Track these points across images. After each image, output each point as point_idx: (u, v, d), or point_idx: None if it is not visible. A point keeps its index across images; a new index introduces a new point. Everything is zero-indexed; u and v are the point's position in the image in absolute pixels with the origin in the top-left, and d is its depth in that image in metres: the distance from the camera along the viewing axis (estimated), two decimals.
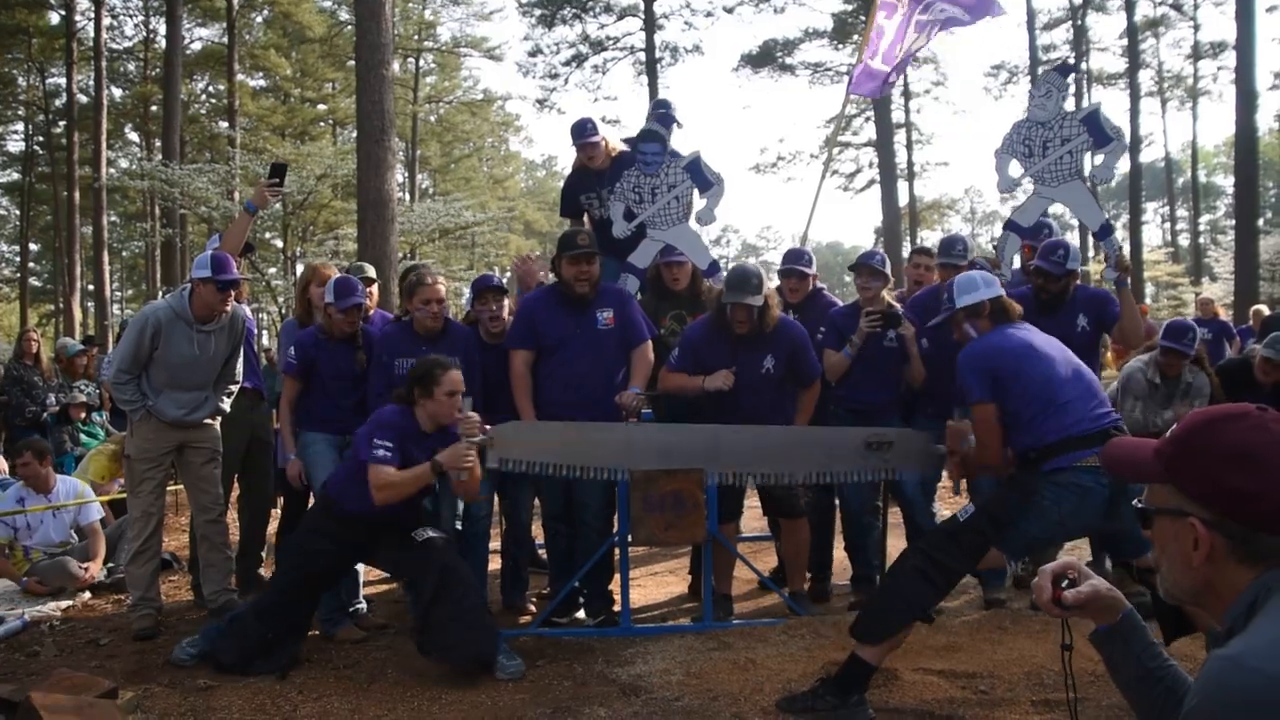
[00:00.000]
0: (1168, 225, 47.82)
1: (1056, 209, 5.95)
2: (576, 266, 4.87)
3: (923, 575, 3.57)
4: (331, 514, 4.43)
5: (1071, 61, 25.78)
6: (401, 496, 4.25)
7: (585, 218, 6.19)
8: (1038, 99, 5.42)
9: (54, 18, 29.25)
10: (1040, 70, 30.94)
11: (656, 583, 6.04)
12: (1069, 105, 5.37)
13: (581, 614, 5.21)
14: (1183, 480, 1.51)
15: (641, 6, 31.30)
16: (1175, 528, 1.51)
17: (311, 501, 5.27)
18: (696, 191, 5.55)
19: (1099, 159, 5.31)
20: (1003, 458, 3.89)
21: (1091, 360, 5.31)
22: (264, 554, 5.98)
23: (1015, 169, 5.52)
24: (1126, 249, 23.82)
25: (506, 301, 5.24)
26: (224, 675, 4.20)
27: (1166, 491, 1.55)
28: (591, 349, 4.92)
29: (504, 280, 5.61)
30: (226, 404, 5.25)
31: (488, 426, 4.41)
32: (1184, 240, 44.97)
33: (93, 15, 27.28)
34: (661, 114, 6.22)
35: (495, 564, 5.55)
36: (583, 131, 5.92)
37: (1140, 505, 1.62)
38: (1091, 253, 24.73)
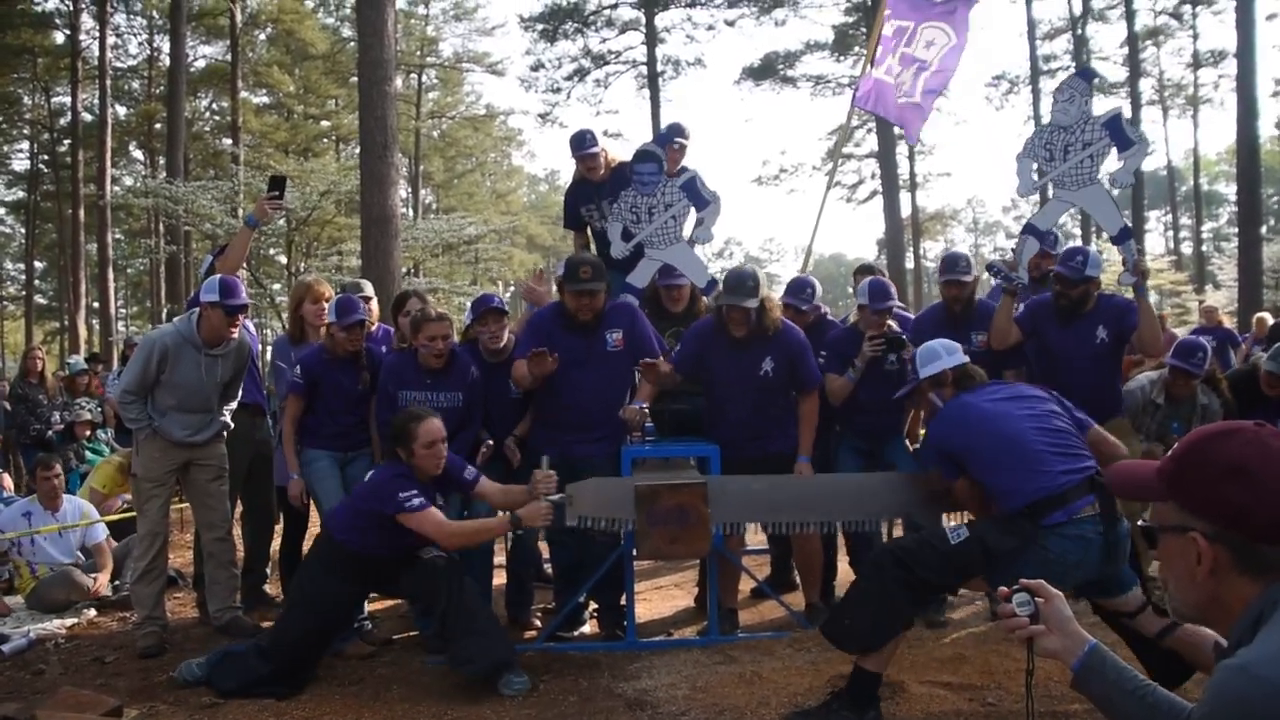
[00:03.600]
0: (1170, 233, 47.82)
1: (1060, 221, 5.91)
2: (578, 299, 4.87)
3: (906, 586, 3.52)
4: (342, 554, 4.32)
5: (1093, 67, 25.75)
6: (475, 544, 4.42)
7: (588, 230, 6.21)
8: (1060, 103, 5.35)
9: (59, 37, 29.41)
10: (1041, 80, 31.01)
11: (662, 596, 6.03)
12: (1093, 110, 5.30)
13: (587, 628, 5.20)
14: (1182, 496, 1.56)
15: (643, 20, 31.39)
16: (1180, 544, 1.55)
17: (314, 517, 5.28)
18: (693, 210, 5.55)
19: (1119, 163, 5.25)
20: (982, 512, 3.93)
21: (1112, 371, 5.26)
22: (268, 570, 5.97)
23: (1036, 173, 5.46)
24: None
25: (507, 323, 5.23)
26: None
27: (1169, 509, 1.59)
28: (600, 372, 4.93)
29: (505, 299, 5.61)
30: (228, 416, 5.26)
31: (557, 481, 4.38)
32: (1187, 248, 44.95)
33: (97, 34, 27.43)
34: (662, 135, 6.27)
35: (500, 579, 5.55)
36: (582, 143, 5.94)
37: (1145, 524, 1.65)
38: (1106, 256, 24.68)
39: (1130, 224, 5.51)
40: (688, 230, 5.55)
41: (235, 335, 5.04)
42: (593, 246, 6.21)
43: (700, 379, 5.11)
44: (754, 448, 4.94)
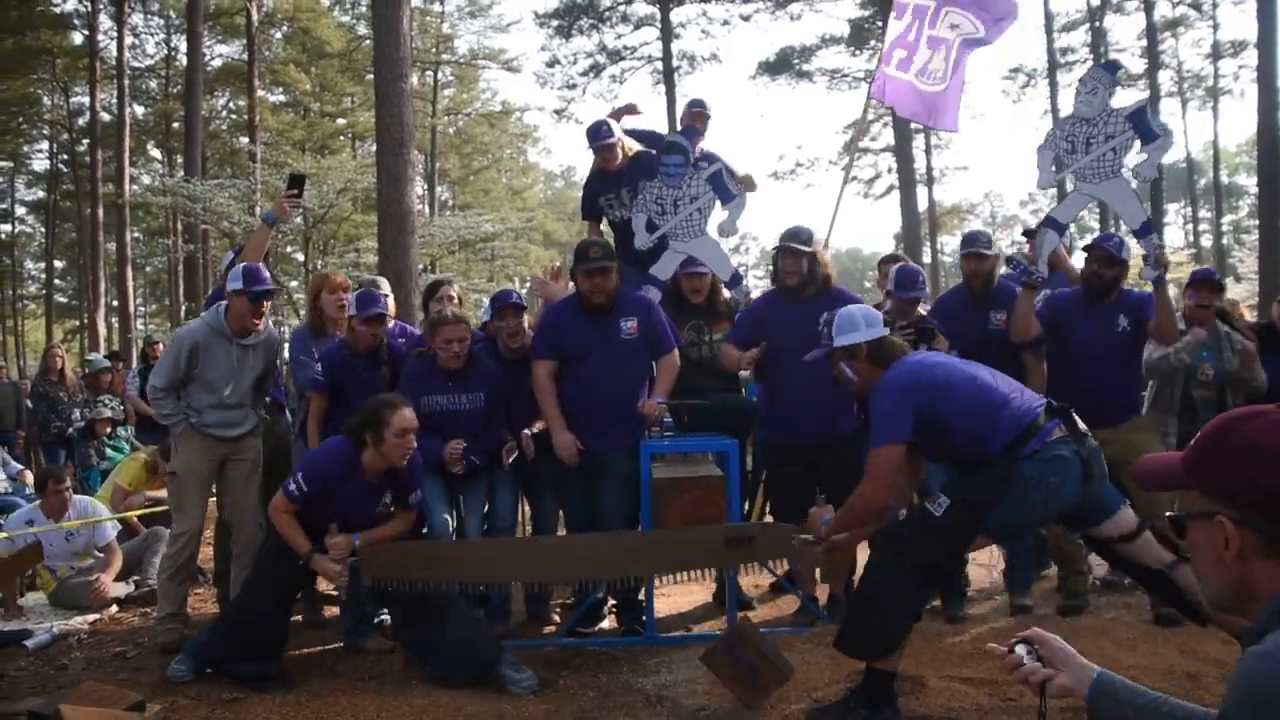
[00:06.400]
0: (1190, 226, 47.47)
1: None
2: (590, 280, 4.86)
3: (909, 576, 3.49)
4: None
5: (1117, 60, 25.51)
6: (279, 533, 4.40)
7: (605, 222, 6.21)
8: (1083, 95, 5.27)
9: (77, 38, 29.58)
10: (1059, 73, 30.81)
11: (681, 591, 6.01)
12: (1115, 102, 5.23)
13: (606, 624, 5.20)
14: (1206, 482, 1.56)
15: (658, 16, 31.31)
16: (1207, 531, 1.54)
17: None
18: (719, 203, 5.55)
19: (1142, 155, 5.17)
20: (884, 503, 3.73)
21: (1132, 360, 5.20)
22: None
23: (1056, 165, 5.38)
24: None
25: (526, 318, 5.24)
26: (248, 687, 4.21)
27: (1196, 496, 1.58)
28: (615, 360, 4.90)
29: (523, 293, 5.61)
30: (262, 410, 5.27)
31: (356, 545, 4.33)
32: (1206, 241, 44.58)
33: (115, 34, 27.60)
34: (686, 127, 6.30)
35: None
36: (598, 134, 5.96)
37: (1174, 515, 1.64)
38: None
39: (1150, 217, 5.44)
40: (713, 223, 5.56)
41: (261, 324, 5.03)
42: (610, 239, 6.20)
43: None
44: (822, 428, 4.85)
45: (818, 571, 5.25)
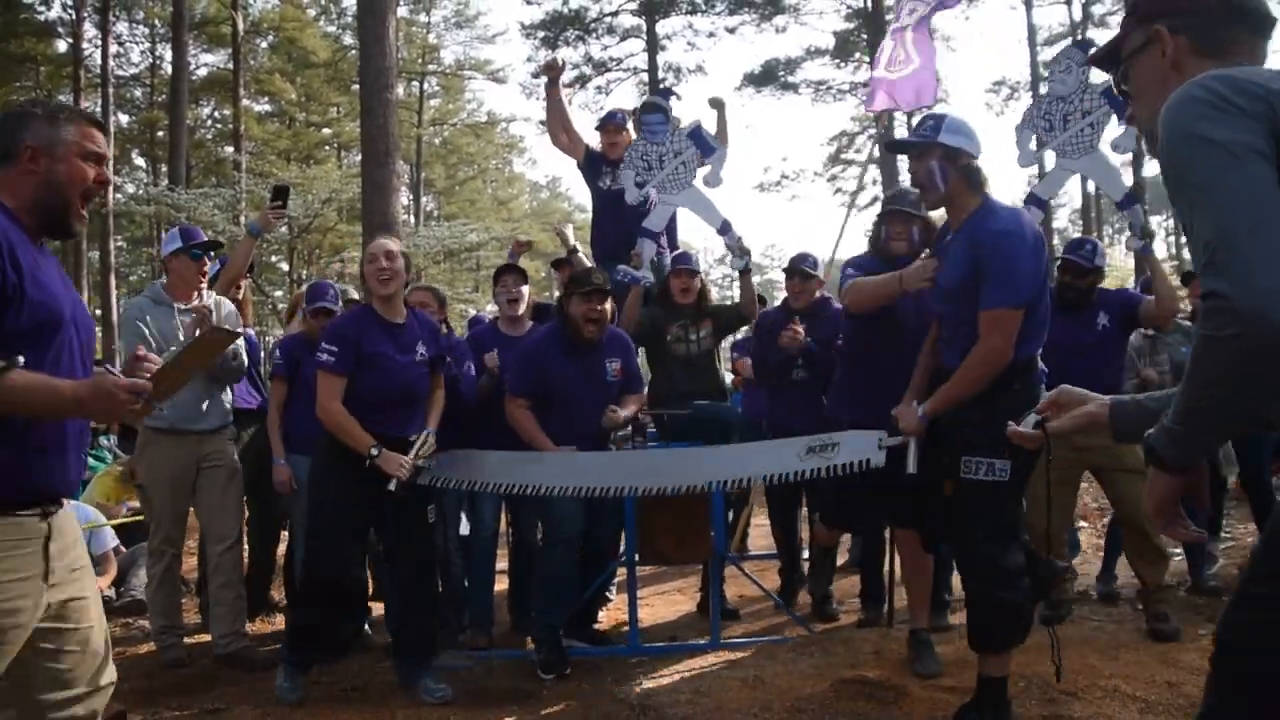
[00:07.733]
0: (1173, 239, 47.78)
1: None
2: (588, 304, 4.58)
3: (1019, 547, 3.49)
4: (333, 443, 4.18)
5: (1090, 38, 25.63)
6: (335, 433, 4.09)
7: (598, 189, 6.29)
8: (1058, 74, 5.29)
9: (61, 45, 29.42)
10: (1042, 86, 31.02)
11: (665, 601, 6.03)
12: (1090, 79, 5.23)
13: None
14: (1143, 7, 1.76)
15: (644, 28, 31.43)
16: (1148, 60, 1.74)
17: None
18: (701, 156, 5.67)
19: (1120, 128, 5.18)
20: (1010, 356, 3.43)
21: (1112, 359, 5.17)
22: (273, 576, 5.95)
23: (1035, 144, 5.37)
24: (1130, 263, 23.82)
25: (525, 288, 5.26)
26: (236, 698, 4.20)
27: (1135, 36, 1.77)
28: (597, 401, 4.66)
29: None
30: (241, 358, 4.92)
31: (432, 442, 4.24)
32: (1188, 253, 44.91)
33: (100, 43, 27.50)
34: (662, 90, 6.48)
35: (502, 584, 5.55)
36: (612, 118, 6.32)
37: (1120, 73, 1.82)
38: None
39: (1131, 189, 5.46)
40: (699, 176, 5.66)
41: (205, 284, 4.82)
42: (592, 205, 6.38)
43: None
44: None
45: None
